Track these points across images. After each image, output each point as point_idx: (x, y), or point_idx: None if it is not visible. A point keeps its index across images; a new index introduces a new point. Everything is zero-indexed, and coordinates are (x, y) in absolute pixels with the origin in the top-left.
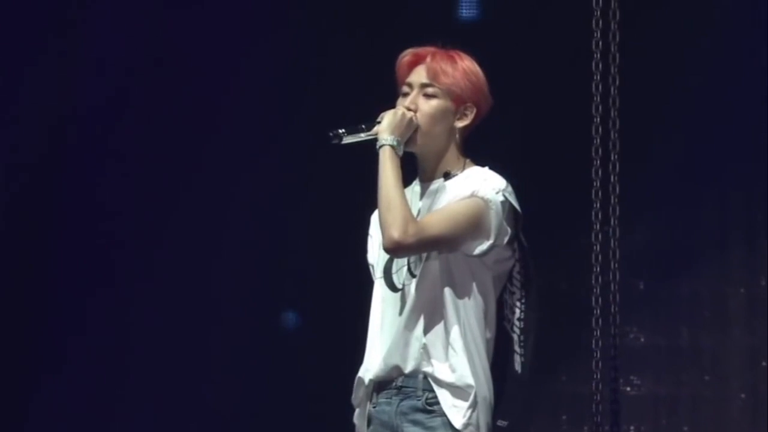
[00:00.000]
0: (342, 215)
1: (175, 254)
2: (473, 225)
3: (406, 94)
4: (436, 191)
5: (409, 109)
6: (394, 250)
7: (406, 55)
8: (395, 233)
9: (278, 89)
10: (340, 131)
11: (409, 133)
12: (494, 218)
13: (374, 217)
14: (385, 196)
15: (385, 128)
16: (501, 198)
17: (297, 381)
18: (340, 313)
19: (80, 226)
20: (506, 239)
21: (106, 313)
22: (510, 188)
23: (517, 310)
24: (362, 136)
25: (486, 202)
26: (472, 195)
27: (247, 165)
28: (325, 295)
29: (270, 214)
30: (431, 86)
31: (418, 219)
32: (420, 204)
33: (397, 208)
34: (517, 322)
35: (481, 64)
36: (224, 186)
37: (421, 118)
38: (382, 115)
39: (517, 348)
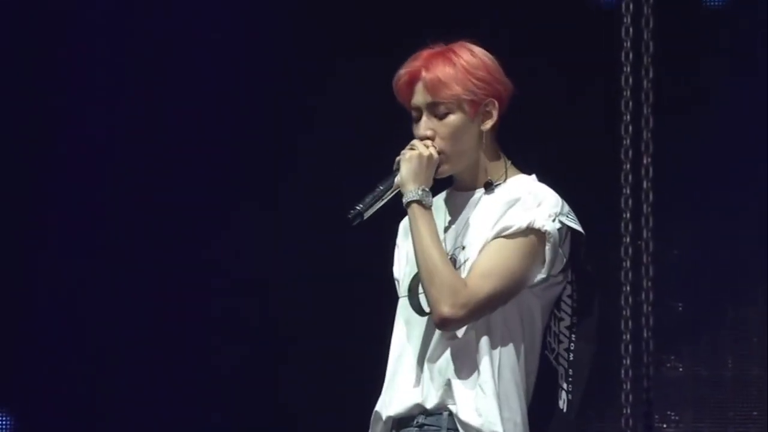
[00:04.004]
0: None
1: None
2: (530, 266)
3: (417, 120)
4: (475, 204)
5: (426, 137)
6: (446, 326)
7: (401, 78)
8: (444, 309)
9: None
10: (358, 207)
11: (433, 171)
12: (550, 251)
13: (403, 226)
14: (425, 266)
15: (407, 179)
16: (558, 225)
17: (305, 411)
18: (358, 334)
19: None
20: (560, 268)
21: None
22: (566, 207)
23: (566, 340)
24: (384, 199)
25: (544, 234)
26: (528, 228)
27: (252, 170)
28: (342, 315)
29: (276, 225)
30: (438, 104)
31: (452, 240)
32: (460, 216)
33: (441, 277)
34: (564, 353)
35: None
36: (222, 193)
37: (441, 143)
38: (397, 161)
39: (563, 383)
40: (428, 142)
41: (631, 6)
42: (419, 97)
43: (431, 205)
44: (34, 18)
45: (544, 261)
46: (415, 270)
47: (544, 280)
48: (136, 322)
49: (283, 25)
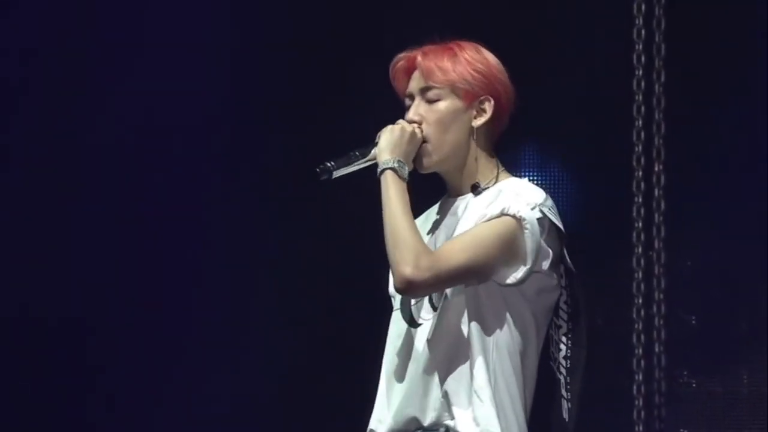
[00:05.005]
0: (355, 235)
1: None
2: (503, 249)
3: (410, 108)
4: (464, 208)
5: (412, 122)
6: (408, 289)
7: (398, 62)
8: (406, 269)
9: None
10: (329, 164)
11: (413, 149)
12: (530, 239)
13: None
14: (391, 230)
15: (384, 149)
16: (537, 214)
17: (303, 413)
18: (349, 350)
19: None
20: (547, 263)
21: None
22: (550, 202)
23: (563, 347)
24: (357, 165)
25: (519, 220)
26: (502, 213)
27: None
28: (332, 329)
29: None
30: (431, 89)
31: (440, 244)
32: (444, 223)
33: (406, 240)
34: (563, 362)
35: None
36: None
37: (427, 129)
38: (378, 134)
39: (564, 392)
40: (414, 125)
41: (643, 7)
42: (413, 84)
43: (406, 178)
44: (38, 21)
45: (525, 252)
46: None
47: (528, 274)
48: (137, 324)
49: (284, 25)
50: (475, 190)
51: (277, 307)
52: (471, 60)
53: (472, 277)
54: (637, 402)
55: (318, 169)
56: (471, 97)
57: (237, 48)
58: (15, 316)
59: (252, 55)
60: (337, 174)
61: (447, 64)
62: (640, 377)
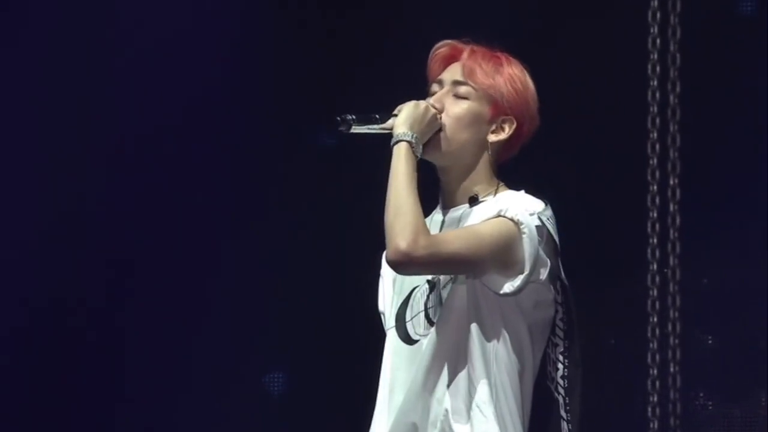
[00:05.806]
0: (347, 251)
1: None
2: (500, 247)
3: (435, 94)
4: (459, 219)
5: (433, 108)
6: (401, 263)
7: (442, 47)
8: (402, 243)
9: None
10: (350, 117)
11: (430, 131)
12: (528, 244)
13: (385, 255)
14: (394, 202)
15: (403, 121)
16: (536, 222)
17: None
18: (344, 370)
19: None
20: (545, 273)
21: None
22: (549, 212)
23: (561, 366)
24: (374, 128)
25: (517, 224)
26: (499, 215)
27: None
28: (325, 350)
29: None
30: (465, 85)
31: None
32: (440, 231)
33: (408, 214)
34: (561, 381)
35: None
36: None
37: (446, 119)
38: (400, 107)
39: (563, 413)
40: (436, 111)
41: (658, 15)
42: (448, 74)
43: (419, 156)
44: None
45: (523, 257)
46: (403, 298)
47: (526, 283)
48: (146, 326)
49: (288, 29)
50: (473, 202)
51: (277, 310)
52: (513, 76)
53: (466, 269)
54: (651, 425)
55: (339, 118)
56: (497, 111)
57: (241, 44)
58: (18, 315)
59: (256, 55)
60: (354, 130)
61: (490, 69)
62: (655, 399)
